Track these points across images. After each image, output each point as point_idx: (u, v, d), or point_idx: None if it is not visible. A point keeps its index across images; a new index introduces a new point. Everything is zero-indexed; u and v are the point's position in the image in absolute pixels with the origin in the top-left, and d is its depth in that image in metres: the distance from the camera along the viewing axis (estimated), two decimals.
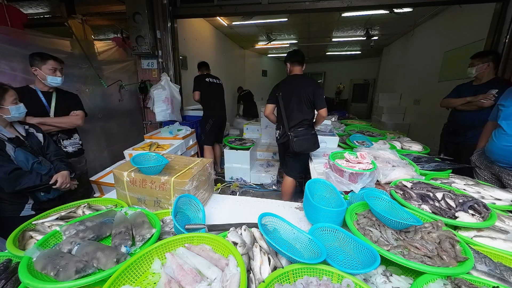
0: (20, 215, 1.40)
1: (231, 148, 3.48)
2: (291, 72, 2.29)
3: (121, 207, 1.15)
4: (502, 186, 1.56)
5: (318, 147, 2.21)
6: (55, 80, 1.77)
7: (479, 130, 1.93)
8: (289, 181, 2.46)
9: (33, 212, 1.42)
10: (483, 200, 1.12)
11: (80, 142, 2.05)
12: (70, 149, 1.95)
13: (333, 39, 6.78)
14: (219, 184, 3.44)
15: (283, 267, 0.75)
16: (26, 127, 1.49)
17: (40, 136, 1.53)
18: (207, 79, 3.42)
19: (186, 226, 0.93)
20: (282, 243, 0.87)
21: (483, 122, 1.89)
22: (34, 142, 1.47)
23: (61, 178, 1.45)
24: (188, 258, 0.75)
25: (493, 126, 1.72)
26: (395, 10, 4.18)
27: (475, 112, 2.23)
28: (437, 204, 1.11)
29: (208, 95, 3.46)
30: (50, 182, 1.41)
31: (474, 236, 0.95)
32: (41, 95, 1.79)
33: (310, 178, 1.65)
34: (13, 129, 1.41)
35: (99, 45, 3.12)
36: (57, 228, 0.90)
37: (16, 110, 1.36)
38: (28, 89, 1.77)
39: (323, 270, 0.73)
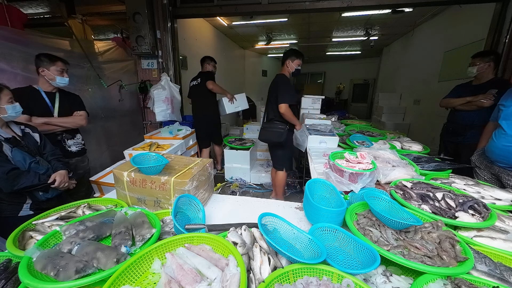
0: (19, 215, 1.39)
1: (231, 148, 3.48)
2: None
3: (121, 207, 1.15)
4: (502, 186, 1.56)
5: (281, 140, 2.36)
6: (63, 81, 1.80)
7: (478, 130, 1.93)
8: (280, 175, 2.63)
9: (31, 212, 1.42)
10: (483, 200, 1.12)
11: (83, 142, 2.07)
12: (73, 148, 1.96)
13: (333, 39, 6.77)
14: (219, 184, 3.44)
15: (283, 267, 0.75)
16: (22, 127, 1.48)
17: (36, 136, 1.52)
18: (191, 83, 3.44)
19: (186, 226, 0.93)
20: (282, 243, 0.87)
21: (482, 122, 1.89)
22: (30, 142, 1.47)
23: (59, 177, 1.45)
24: (188, 258, 0.75)
25: (494, 126, 1.72)
26: (396, 10, 4.18)
27: (474, 112, 2.23)
28: (437, 204, 1.11)
29: (191, 98, 3.50)
30: (49, 181, 1.41)
31: (474, 236, 0.95)
32: (44, 96, 1.80)
33: (310, 178, 1.65)
34: (9, 129, 1.41)
35: (99, 45, 3.12)
36: (57, 228, 0.90)
37: (12, 109, 1.36)
38: (32, 89, 1.77)
39: (323, 270, 0.73)
